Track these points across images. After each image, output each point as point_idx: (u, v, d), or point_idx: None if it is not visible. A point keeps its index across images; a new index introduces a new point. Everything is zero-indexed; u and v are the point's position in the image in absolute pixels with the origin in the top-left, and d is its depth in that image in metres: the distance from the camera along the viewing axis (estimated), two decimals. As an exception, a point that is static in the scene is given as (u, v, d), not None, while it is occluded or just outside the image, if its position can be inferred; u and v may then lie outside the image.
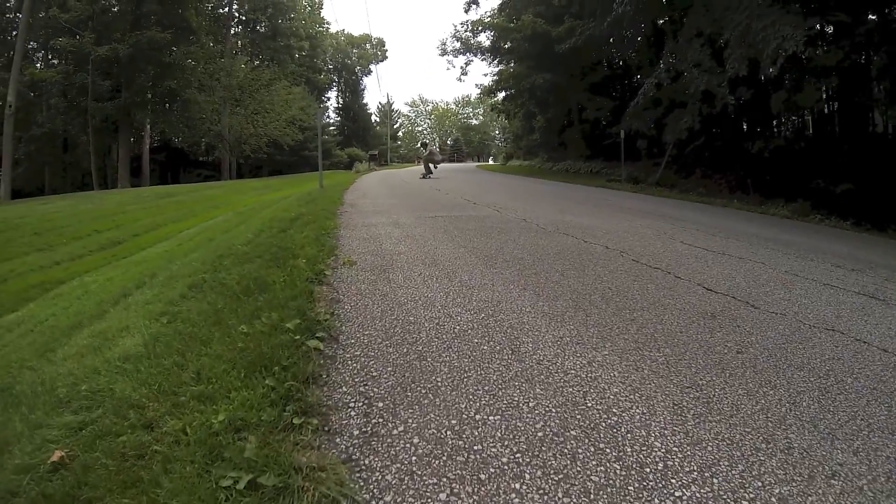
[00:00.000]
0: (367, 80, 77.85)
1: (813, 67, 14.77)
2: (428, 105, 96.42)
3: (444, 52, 37.28)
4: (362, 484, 1.72)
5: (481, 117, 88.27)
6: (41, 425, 2.46)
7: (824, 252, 6.87)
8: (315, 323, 3.03)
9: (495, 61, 36.44)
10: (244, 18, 55.80)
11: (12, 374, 3.98)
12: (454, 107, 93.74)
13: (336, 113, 73.24)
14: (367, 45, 78.48)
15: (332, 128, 67.11)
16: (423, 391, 2.34)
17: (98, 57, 36.37)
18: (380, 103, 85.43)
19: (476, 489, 1.71)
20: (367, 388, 2.35)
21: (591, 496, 1.71)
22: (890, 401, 2.55)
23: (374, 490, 1.69)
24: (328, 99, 71.48)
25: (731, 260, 5.59)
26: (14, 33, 40.40)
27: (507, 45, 32.66)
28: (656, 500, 1.72)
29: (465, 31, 35.18)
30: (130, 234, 13.57)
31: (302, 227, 6.79)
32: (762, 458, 2.01)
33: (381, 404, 2.21)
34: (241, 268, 4.67)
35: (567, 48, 23.37)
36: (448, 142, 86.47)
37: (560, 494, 1.71)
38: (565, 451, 1.93)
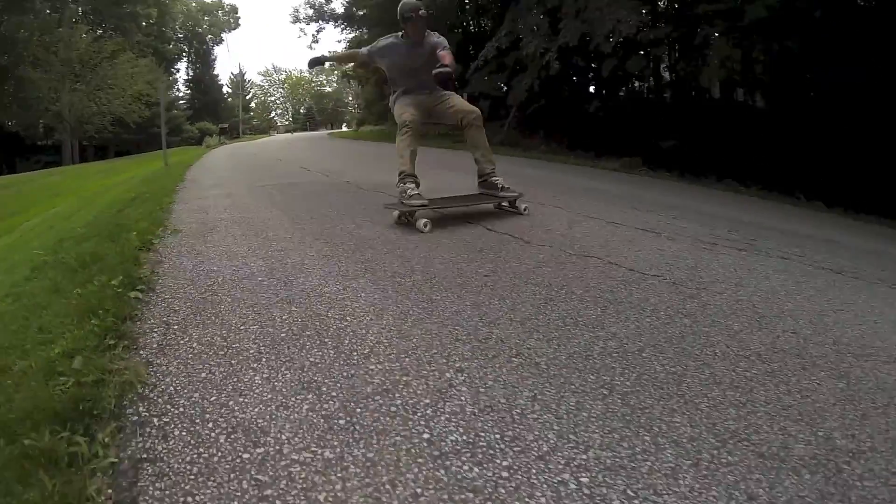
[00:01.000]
0: (218, 50, 74.72)
1: (641, 41, 16.62)
2: (281, 74, 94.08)
3: (296, 20, 37.07)
4: (152, 373, 2.60)
5: (335, 84, 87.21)
6: None
7: (630, 197, 7.96)
8: (137, 280, 3.84)
9: (348, 28, 36.46)
10: (84, -18, 51.72)
11: None
12: (307, 74, 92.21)
13: (186, 85, 70.08)
14: (219, 13, 75.26)
15: (181, 101, 64.16)
16: (209, 315, 3.24)
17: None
18: (232, 74, 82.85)
19: (227, 369, 2.61)
20: (168, 318, 3.22)
21: (305, 370, 2.59)
22: (608, 305, 3.30)
23: (160, 375, 2.57)
24: (177, 71, 68.20)
25: (531, 206, 6.37)
26: None
27: (360, 13, 32.78)
28: (353, 371, 2.56)
29: (318, -3, 34.92)
30: (-34, 231, 13.22)
31: (139, 205, 7.41)
32: (456, 345, 2.78)
33: (175, 327, 3.10)
34: (79, 247, 5.30)
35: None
36: (301, 110, 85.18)
37: (283, 370, 2.60)
38: (297, 344, 2.86)
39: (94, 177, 21.93)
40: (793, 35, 13.41)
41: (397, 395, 2.36)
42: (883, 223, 10.27)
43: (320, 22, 36.92)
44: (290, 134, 49.15)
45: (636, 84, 22.94)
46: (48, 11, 44.44)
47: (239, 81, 76.75)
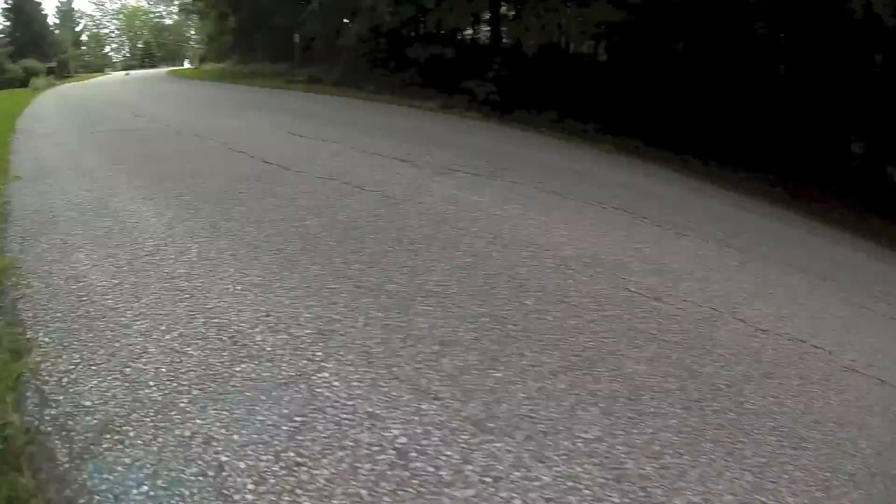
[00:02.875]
0: (40, -27, 67.70)
1: None
2: (116, 3, 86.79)
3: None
4: (20, 261, 4.23)
5: (176, 17, 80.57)
6: None
7: (420, 134, 9.85)
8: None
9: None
10: None
11: None
12: (146, 3, 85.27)
13: (4, 16, 63.10)
14: (43, -72, 67.81)
15: (0, 35, 58.18)
16: (52, 228, 4.87)
17: None
18: (59, 2, 75.77)
19: (63, 255, 4.35)
20: (23, 234, 4.73)
21: (114, 255, 4.42)
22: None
23: (26, 261, 4.25)
24: (-7, -2, 61.28)
25: (313, 142, 8.27)
26: None
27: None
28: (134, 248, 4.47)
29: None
30: None
31: (-24, 157, 8.50)
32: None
33: (30, 235, 4.69)
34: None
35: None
36: (139, 45, 79.90)
37: (108, 258, 4.40)
38: (110, 239, 4.62)
39: None
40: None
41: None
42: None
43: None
44: (126, 73, 46.56)
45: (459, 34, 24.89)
46: None
47: (68, 11, 70.60)
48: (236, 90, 20.06)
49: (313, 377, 2.55)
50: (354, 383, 2.51)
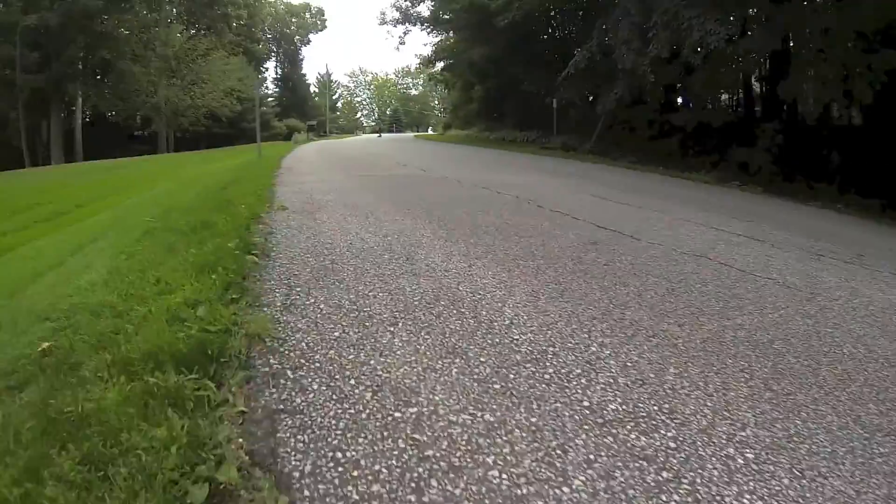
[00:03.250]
0: (305, 51, 76.88)
1: (731, 55, 15.87)
2: (367, 76, 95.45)
3: (383, 22, 37.08)
4: (280, 329, 2.44)
5: (421, 87, 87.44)
6: (26, 332, 2.98)
7: (727, 208, 7.63)
8: (251, 245, 3.73)
9: (434, 31, 36.46)
10: (180, -15, 54.15)
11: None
12: (394, 77, 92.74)
13: (275, 84, 71.75)
14: (307, 14, 77.16)
15: (270, 99, 65.74)
16: (332, 281, 3.08)
17: (26, 27, 35.08)
18: (319, 74, 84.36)
19: (361, 330, 2.45)
20: (289, 280, 3.08)
21: (446, 336, 2.44)
22: (729, 300, 3.17)
23: (289, 331, 2.42)
24: (266, 69, 69.93)
25: (631, 209, 6.34)
26: (-67, 3, 38.65)
27: (446, 16, 32.74)
28: (497, 340, 2.43)
29: (405, 0, 35.13)
30: (73, 206, 13.73)
31: (241, 185, 7.47)
32: (594, 323, 2.67)
33: (298, 289, 2.95)
34: (188, 217, 5.29)
35: (505, 22, 23.80)
36: (387, 112, 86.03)
37: (423, 335, 2.45)
38: (433, 312, 2.69)
39: (190, 164, 22.69)
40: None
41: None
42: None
43: (407, 24, 37.00)
44: (377, 135, 49.45)
45: (724, 97, 22.04)
46: (146, 12, 46.39)
47: (326, 81, 78.27)
48: (494, 153, 18.82)
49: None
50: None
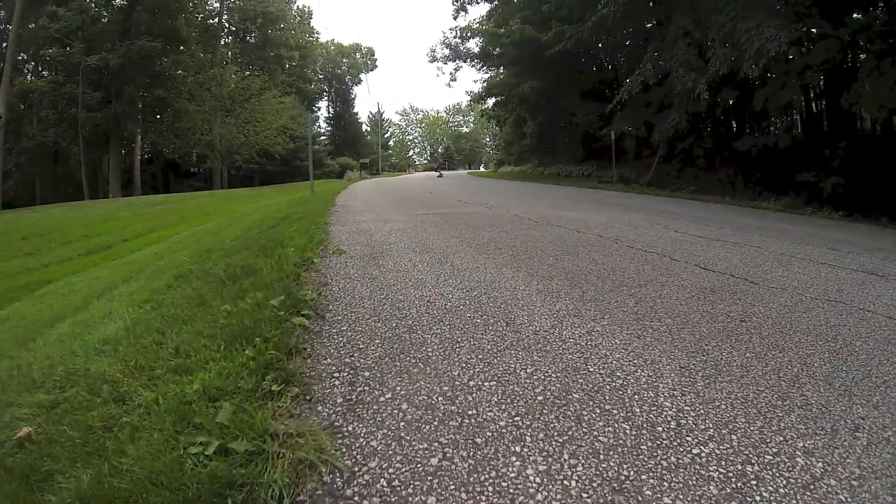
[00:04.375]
0: (357, 90, 78.21)
1: (793, 69, 14.82)
2: (418, 114, 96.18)
3: (433, 59, 37.20)
4: (345, 450, 1.59)
5: (472, 124, 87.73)
6: (12, 404, 2.33)
7: (819, 237, 6.83)
8: (301, 302, 2.90)
9: (484, 67, 36.30)
10: (234, 29, 55.62)
11: (-13, 366, 3.82)
12: (444, 115, 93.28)
13: (327, 122, 73.05)
14: (357, 55, 78.55)
15: (322, 137, 66.80)
16: (413, 361, 2.21)
17: (88, 67, 36.20)
18: (370, 112, 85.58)
19: (472, 453, 1.58)
20: (352, 359, 2.23)
21: (601, 457, 1.59)
22: None
23: (358, 456, 1.57)
24: (318, 108, 71.32)
25: (725, 245, 5.52)
26: (4, 45, 40.20)
27: (496, 51, 32.53)
28: (673, 458, 1.60)
29: (454, 37, 34.99)
30: (120, 239, 13.42)
31: (292, 223, 6.70)
32: (780, 415, 1.93)
33: (367, 374, 2.08)
34: (228, 259, 4.54)
35: (556, 53, 23.29)
36: (439, 150, 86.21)
37: (566, 456, 1.59)
38: (568, 413, 1.82)
39: (243, 200, 22.40)
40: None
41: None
42: None
43: (457, 61, 36.86)
44: (437, 173, 48.88)
45: (786, 117, 20.74)
46: (201, 53, 47.56)
47: (378, 120, 78.93)
48: (553, 188, 17.95)
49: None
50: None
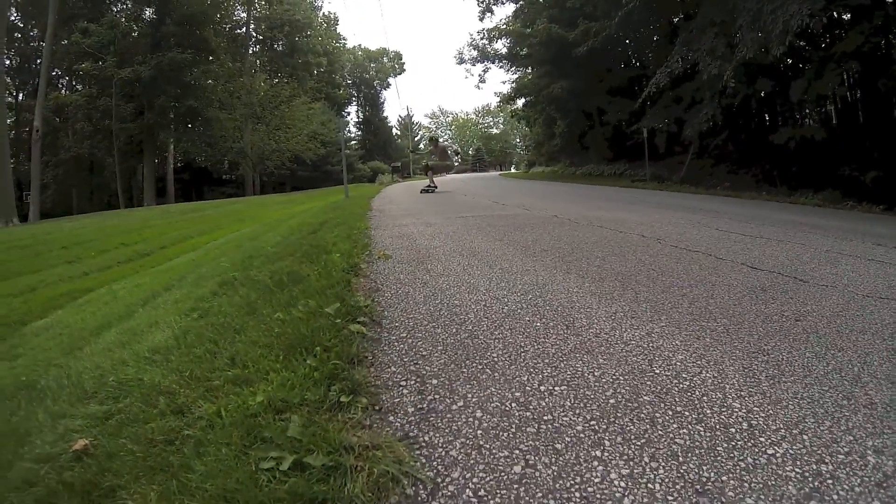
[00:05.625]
0: (386, 94, 78.41)
1: (832, 54, 14.46)
2: (448, 116, 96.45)
3: (461, 61, 37.23)
4: (424, 461, 1.55)
5: (501, 126, 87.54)
6: (64, 415, 2.34)
7: (863, 233, 6.70)
8: (355, 309, 2.86)
9: (513, 68, 36.18)
10: (261, 38, 56.33)
11: (38, 372, 3.83)
12: (474, 116, 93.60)
13: (357, 127, 73.55)
14: (385, 59, 78.91)
15: (353, 142, 67.30)
16: (480, 367, 2.16)
17: (121, 79, 37.11)
18: (400, 116, 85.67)
19: (553, 459, 1.53)
20: (417, 366, 2.18)
21: (680, 459, 1.54)
22: None
23: (439, 467, 1.52)
24: (348, 114, 71.85)
25: (769, 242, 5.44)
26: (38, 61, 41.36)
27: (523, 52, 32.41)
28: (749, 459, 1.57)
29: (481, 38, 34.99)
30: (157, 247, 13.58)
31: (332, 228, 6.68)
32: (847, 414, 1.89)
33: (434, 381, 2.03)
34: (272, 265, 4.53)
35: (584, 51, 23.14)
36: (469, 152, 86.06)
37: (647, 459, 1.53)
38: (642, 416, 1.76)
39: (276, 206, 22.55)
40: None
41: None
42: None
43: (485, 62, 36.86)
44: (477, 173, 48.21)
45: (822, 109, 20.22)
46: (230, 63, 48.27)
47: (407, 123, 79.42)
48: (587, 188, 17.72)
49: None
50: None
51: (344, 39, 69.11)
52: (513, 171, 62.13)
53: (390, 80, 78.31)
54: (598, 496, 1.41)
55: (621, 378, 2.05)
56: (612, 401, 1.88)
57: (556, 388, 1.96)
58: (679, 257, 4.50)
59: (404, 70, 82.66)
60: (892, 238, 6.27)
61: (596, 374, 2.08)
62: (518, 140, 75.42)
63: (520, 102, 36.68)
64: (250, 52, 54.48)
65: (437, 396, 1.92)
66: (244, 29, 53.04)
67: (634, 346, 2.39)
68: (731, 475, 1.50)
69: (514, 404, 1.86)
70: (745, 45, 14.12)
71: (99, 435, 1.99)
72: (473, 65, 36.96)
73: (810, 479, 1.50)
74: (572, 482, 1.46)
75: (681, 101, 18.87)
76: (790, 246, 5.23)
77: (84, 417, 2.21)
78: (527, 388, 1.98)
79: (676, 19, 21.05)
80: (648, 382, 2.02)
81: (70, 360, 3.90)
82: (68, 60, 40.76)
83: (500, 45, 35.24)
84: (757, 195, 14.00)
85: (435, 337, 2.53)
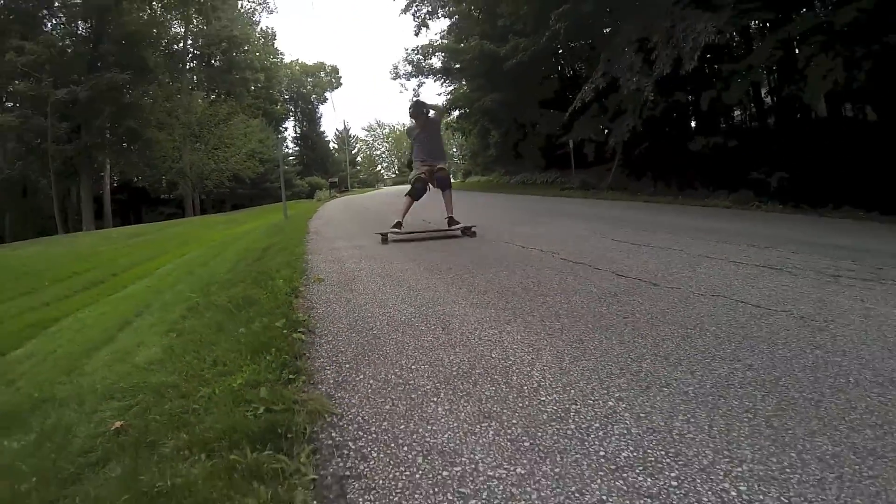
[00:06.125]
0: (323, 108, 78.97)
1: (740, 66, 16.14)
2: (385, 128, 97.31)
3: (396, 76, 38.19)
4: (336, 405, 2.68)
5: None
6: (95, 411, 3.25)
7: (749, 235, 7.80)
8: (297, 322, 3.99)
9: (447, 81, 37.33)
10: (199, 53, 56.21)
11: (45, 390, 4.78)
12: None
13: (294, 142, 73.56)
14: (322, 73, 79.19)
15: (291, 157, 67.26)
16: (377, 357, 3.32)
17: (56, 100, 36.62)
18: (337, 130, 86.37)
19: (409, 402, 2.68)
20: (337, 358, 3.33)
21: (483, 402, 2.65)
22: (742, 340, 3.30)
23: (345, 408, 2.65)
24: (286, 129, 71.85)
25: (652, 250, 6.50)
26: (-30, 81, 40.51)
27: (457, 66, 33.58)
28: (526, 403, 2.64)
29: (416, 54, 36.04)
30: (109, 274, 14.27)
31: (274, 254, 7.80)
32: (613, 379, 2.84)
33: (347, 366, 3.19)
34: (228, 291, 5.61)
35: (514, 65, 24.47)
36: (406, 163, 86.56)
37: (462, 402, 2.66)
38: (469, 380, 2.90)
39: (217, 227, 23.39)
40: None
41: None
42: None
43: (420, 77, 37.92)
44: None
45: (736, 114, 22.20)
46: (168, 81, 48.28)
47: (344, 137, 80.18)
48: (514, 199, 19.16)
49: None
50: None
51: (281, 54, 69.42)
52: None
53: (327, 94, 78.94)
54: (431, 419, 2.50)
55: (466, 360, 3.19)
56: (454, 372, 3.02)
57: (422, 367, 3.11)
58: (563, 269, 5.64)
59: (341, 84, 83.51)
60: (768, 239, 7.34)
61: (451, 358, 3.23)
62: (455, 150, 76.85)
63: (455, 114, 37.81)
64: (188, 68, 54.39)
65: (348, 374, 3.06)
66: (182, 45, 53.00)
67: (486, 340, 3.53)
68: (509, 409, 2.57)
69: (392, 376, 3.00)
70: (662, 61, 15.68)
71: (129, 418, 2.92)
72: (408, 79, 37.91)
73: (561, 412, 2.52)
74: (418, 413, 2.57)
75: (607, 111, 20.37)
76: (668, 253, 6.29)
77: (111, 410, 3.12)
78: (403, 367, 3.13)
79: (606, 31, 22.41)
80: (483, 362, 3.15)
81: (74, 377, 4.91)
82: (2, 80, 40.13)
83: (435, 60, 36.26)
84: (675, 200, 15.47)
85: (350, 339, 3.68)
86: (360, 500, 1.95)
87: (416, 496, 1.95)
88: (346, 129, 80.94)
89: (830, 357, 3.05)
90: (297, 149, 72.97)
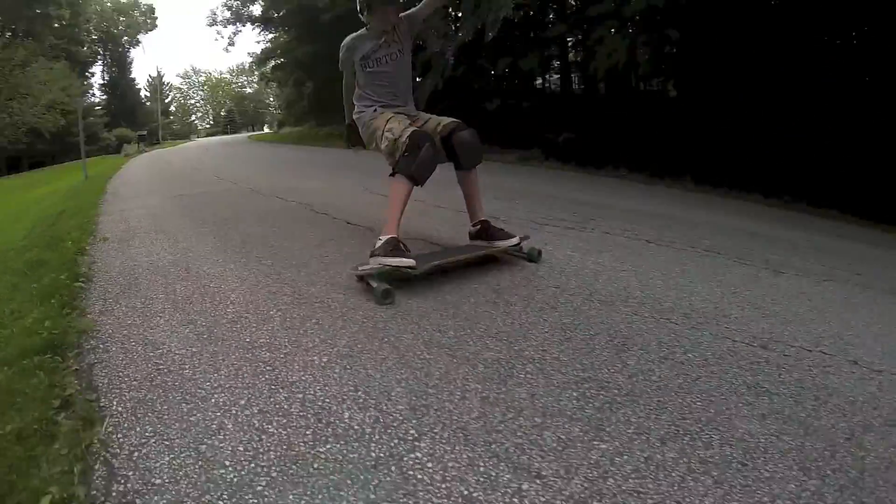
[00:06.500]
0: (134, 53, 73.34)
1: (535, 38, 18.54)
2: (201, 76, 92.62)
3: (213, 23, 37.31)
4: (98, 326, 4.20)
5: (255, 85, 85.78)
6: None
7: (496, 188, 9.52)
8: (79, 275, 5.43)
9: (266, 31, 37.03)
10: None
11: None
12: (228, 76, 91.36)
13: (102, 90, 68.08)
14: (136, 13, 73.45)
15: (97, 107, 62.47)
16: (133, 292, 4.87)
17: None
18: (150, 77, 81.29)
19: (144, 317, 4.32)
20: (104, 296, 4.85)
21: (190, 314, 4.36)
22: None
23: (103, 326, 4.18)
24: (92, 75, 66.03)
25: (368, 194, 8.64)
26: None
27: (277, 15, 33.44)
28: (219, 311, 4.40)
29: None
30: None
31: (68, 219, 8.94)
32: (270, 290, 4.78)
33: (111, 300, 4.73)
34: (24, 256, 6.79)
35: (331, 18, 25.11)
36: (221, 113, 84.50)
37: (178, 314, 4.37)
38: (189, 301, 4.58)
39: (14, 192, 22.63)
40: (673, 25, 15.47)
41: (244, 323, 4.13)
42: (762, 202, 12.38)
43: (238, 24, 37.32)
44: (227, 136, 47.61)
45: (538, 81, 24.85)
46: (-46, 16, 43.05)
47: (157, 85, 75.62)
48: (312, 152, 20.64)
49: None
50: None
51: (91, -14, 63.11)
52: (266, 130, 62.35)
53: (140, 36, 73.70)
54: (155, 326, 4.16)
55: (191, 285, 4.85)
56: (181, 297, 4.63)
57: (160, 296, 4.72)
58: (303, 217, 7.44)
59: (156, 26, 77.92)
60: (509, 191, 9.42)
61: (182, 287, 4.89)
62: (271, 100, 75.35)
63: (271, 64, 37.81)
64: (-23, -3, 47.95)
65: (110, 306, 4.60)
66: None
67: (209, 273, 5.19)
68: (206, 317, 4.37)
69: (139, 303, 4.58)
70: (465, 28, 17.47)
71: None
72: (225, 27, 37.17)
73: (238, 317, 4.41)
74: (148, 323, 4.20)
75: (415, 68, 21.93)
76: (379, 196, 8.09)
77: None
78: (147, 297, 4.70)
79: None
80: (194, 281, 4.92)
81: None
82: None
83: (256, 8, 35.69)
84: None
85: (117, 282, 5.19)
86: (101, 375, 3.37)
87: (130, 369, 3.40)
88: (160, 76, 76.68)
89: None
90: (104, 97, 68.15)
